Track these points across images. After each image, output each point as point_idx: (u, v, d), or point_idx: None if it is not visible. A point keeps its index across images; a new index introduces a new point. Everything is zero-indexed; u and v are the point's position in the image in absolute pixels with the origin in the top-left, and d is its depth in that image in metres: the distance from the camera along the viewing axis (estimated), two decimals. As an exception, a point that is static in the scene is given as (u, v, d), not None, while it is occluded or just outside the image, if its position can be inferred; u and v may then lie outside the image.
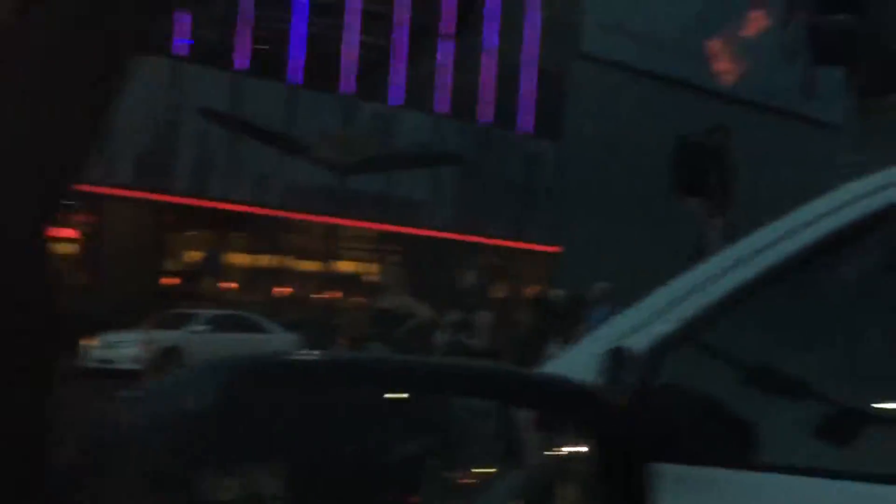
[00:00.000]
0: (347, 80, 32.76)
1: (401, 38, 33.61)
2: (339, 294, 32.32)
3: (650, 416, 2.43)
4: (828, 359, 2.60)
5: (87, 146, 0.93)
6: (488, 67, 35.42)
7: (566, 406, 2.08)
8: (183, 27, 29.69)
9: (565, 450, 2.10)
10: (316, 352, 2.57)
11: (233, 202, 30.41)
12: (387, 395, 2.07)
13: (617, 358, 2.37)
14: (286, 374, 2.02)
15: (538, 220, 35.32)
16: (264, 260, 32.40)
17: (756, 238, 2.61)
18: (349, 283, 32.59)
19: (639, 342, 2.53)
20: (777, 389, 2.51)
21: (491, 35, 35.42)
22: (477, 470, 2.23)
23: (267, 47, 31.35)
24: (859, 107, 11.27)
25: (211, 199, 30.21)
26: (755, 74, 33.73)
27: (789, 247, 2.52)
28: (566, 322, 11.83)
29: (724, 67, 22.51)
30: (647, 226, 32.28)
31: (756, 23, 25.38)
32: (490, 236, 34.23)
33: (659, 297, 2.64)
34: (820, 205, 2.55)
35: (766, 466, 2.42)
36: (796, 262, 2.53)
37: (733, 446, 2.44)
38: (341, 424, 2.10)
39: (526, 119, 36.37)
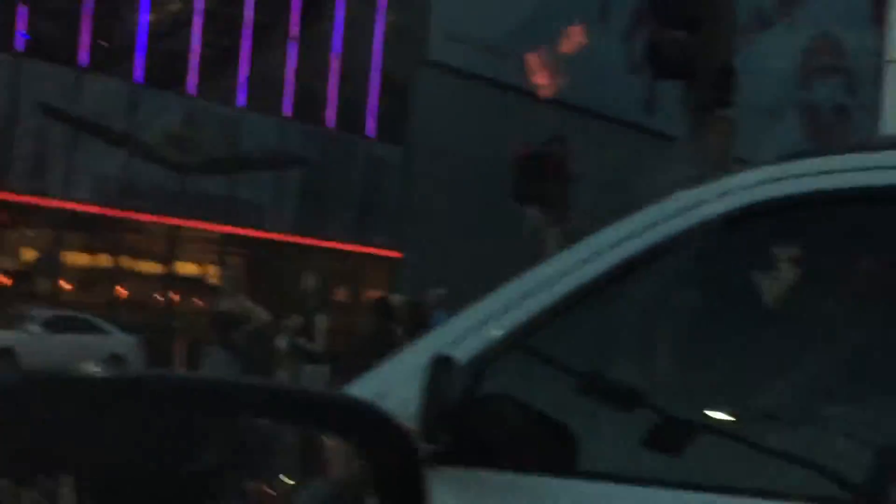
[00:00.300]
0: (192, 80, 32.37)
1: (247, 39, 33.34)
2: (178, 296, 31.93)
3: (475, 425, 2.41)
4: (656, 367, 2.61)
5: None
6: (335, 71, 35.33)
7: (346, 426, 2.04)
8: (22, 21, 29.03)
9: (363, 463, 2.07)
10: (97, 370, 2.53)
11: (71, 201, 29.82)
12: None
13: (441, 366, 2.35)
14: (62, 392, 1.98)
15: (382, 225, 35.36)
16: (103, 260, 31.84)
17: (586, 245, 2.61)
18: (189, 285, 32.20)
19: (466, 349, 2.51)
20: (605, 397, 2.51)
21: (338, 39, 35.34)
22: (278, 482, 2.18)
23: (109, 44, 30.82)
24: (694, 121, 11.52)
25: (49, 198, 29.57)
26: (600, 86, 34.21)
27: (618, 254, 2.52)
28: (406, 327, 11.85)
29: (542, 81, 22.91)
30: (490, 233, 32.51)
31: (575, 38, 25.77)
32: (333, 240, 34.15)
33: (488, 303, 2.63)
34: (648, 214, 2.56)
35: (591, 474, 2.42)
36: (624, 270, 2.53)
37: (558, 454, 2.43)
38: (136, 438, 2.05)
39: (371, 124, 36.38)
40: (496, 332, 2.55)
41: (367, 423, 2.03)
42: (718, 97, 11.27)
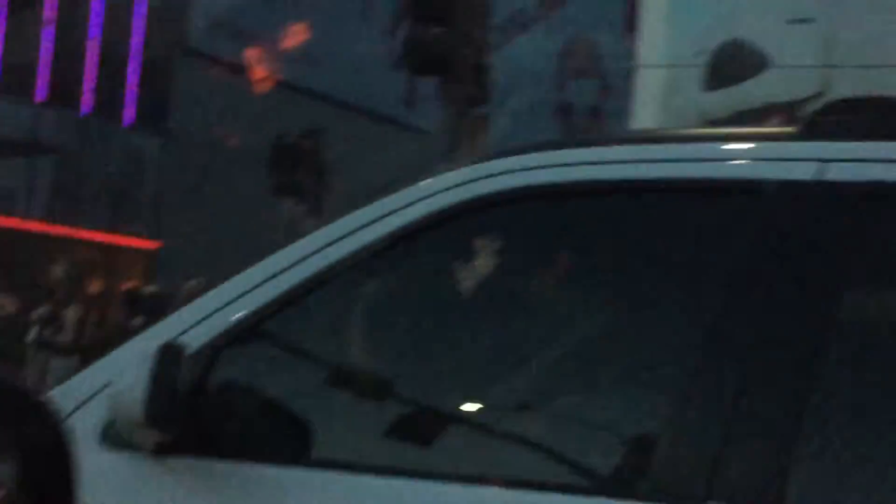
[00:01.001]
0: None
1: (-2, 21, 32.26)
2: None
3: (203, 414, 2.39)
4: (391, 356, 2.62)
5: None
6: (92, 56, 34.48)
7: None
8: None
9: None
10: None
11: None
12: None
13: (168, 353, 2.32)
14: None
15: (138, 216, 34.68)
16: None
17: (322, 234, 2.61)
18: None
19: (198, 337, 2.48)
20: (345, 385, 2.52)
21: (96, 23, 34.51)
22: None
23: None
24: (451, 116, 11.67)
25: None
26: (360, 80, 34.29)
27: (353, 243, 2.53)
28: (157, 319, 11.66)
29: (260, 75, 23.02)
30: (250, 225, 32.24)
31: (297, 35, 25.85)
32: (86, 230, 33.33)
33: (223, 290, 2.60)
34: (383, 203, 2.57)
35: (325, 463, 2.42)
36: (359, 259, 2.54)
37: (291, 443, 2.42)
38: None
39: (130, 112, 35.65)
40: (229, 319, 2.53)
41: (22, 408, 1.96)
42: (473, 94, 11.43)
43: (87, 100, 34.51)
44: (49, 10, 33.30)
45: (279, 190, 12.00)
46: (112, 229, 33.94)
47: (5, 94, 32.22)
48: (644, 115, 12.33)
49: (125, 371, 2.36)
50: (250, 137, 32.20)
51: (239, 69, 35.64)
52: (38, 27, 33.08)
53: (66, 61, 33.66)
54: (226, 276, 2.64)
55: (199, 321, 2.53)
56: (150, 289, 14.68)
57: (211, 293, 2.60)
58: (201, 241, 32.13)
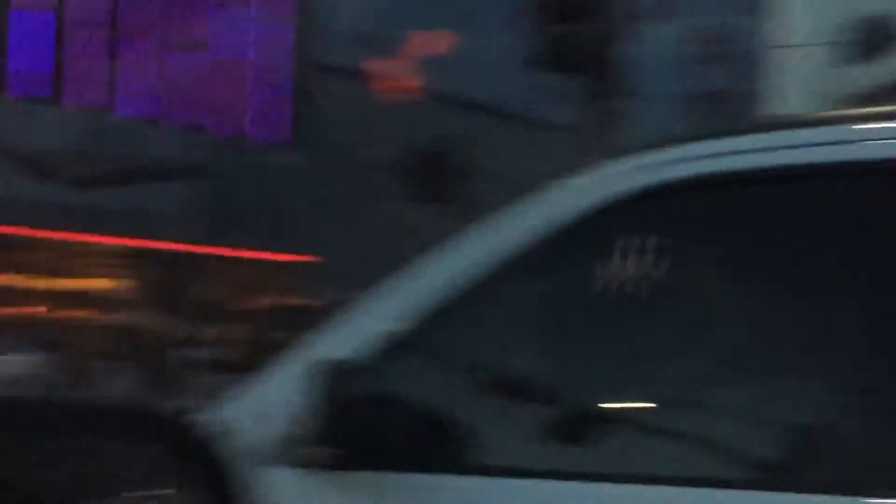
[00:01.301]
0: (82, 91, 31.92)
1: (141, 48, 32.94)
2: (84, 312, 31.49)
3: (366, 427, 2.40)
4: (549, 361, 2.60)
5: None
6: (234, 78, 35.06)
7: (141, 432, 2.01)
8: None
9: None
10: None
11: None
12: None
13: (336, 368, 2.34)
14: None
15: (289, 232, 35.11)
16: (5, 279, 31.33)
17: (482, 235, 2.59)
18: (93, 300, 31.75)
19: (355, 349, 2.50)
20: (504, 392, 2.50)
21: (237, 46, 35.07)
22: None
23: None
24: (590, 110, 11.57)
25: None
26: (495, 81, 34.30)
27: (509, 247, 2.50)
28: (319, 333, 11.78)
29: (399, 85, 22.84)
30: (394, 235, 32.46)
31: (445, 40, 25.72)
32: (241, 249, 33.86)
33: (376, 302, 2.61)
34: (538, 205, 2.54)
35: (488, 470, 2.42)
36: (522, 262, 2.51)
37: (452, 452, 2.43)
38: None
39: (275, 130, 36.16)
40: (385, 330, 2.53)
41: (152, 426, 2.00)
42: (608, 87, 11.35)
43: (229, 120, 35.09)
44: (202, 35, 33.91)
45: (420, 197, 12.03)
46: (270, 247, 34.39)
47: (152, 119, 32.94)
48: (784, 97, 12.13)
49: (292, 387, 2.39)
50: (386, 146, 32.49)
51: (379, 80, 35.94)
52: (193, 52, 33.72)
53: (219, 84, 34.27)
54: (380, 287, 2.65)
55: (360, 333, 2.54)
56: (310, 302, 14.85)
57: (370, 304, 2.60)
58: (356, 253, 32.44)
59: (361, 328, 2.56)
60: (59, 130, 30.78)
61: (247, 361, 14.43)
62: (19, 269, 31.27)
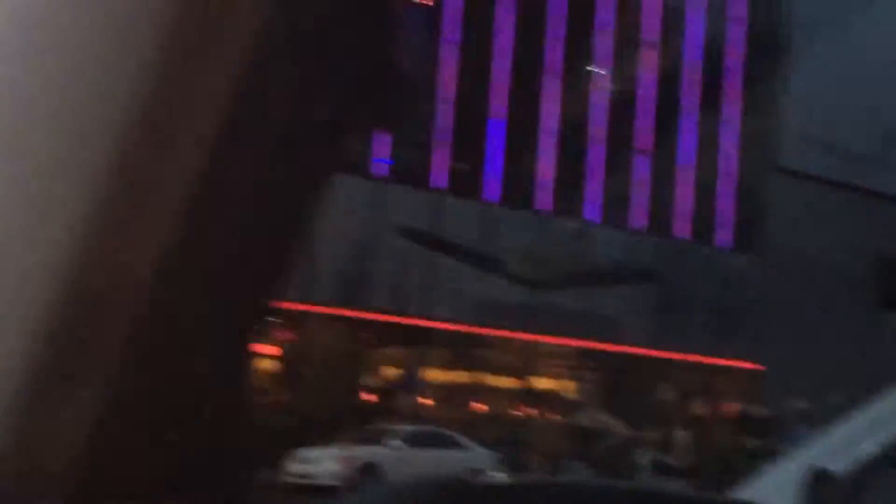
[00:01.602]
0: (542, 196, 32.96)
1: (596, 154, 33.75)
2: (534, 411, 32.18)
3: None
4: None
5: (287, 266, 0.97)
6: (684, 182, 35.25)
7: None
8: (382, 148, 30.36)
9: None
10: (504, 476, 2.58)
11: (429, 318, 30.68)
12: None
13: (819, 480, 2.31)
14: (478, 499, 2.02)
15: (735, 337, 34.70)
16: (460, 376, 32.50)
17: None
18: (544, 399, 32.43)
19: (840, 464, 2.46)
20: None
21: (687, 150, 35.30)
22: None
23: (464, 166, 31.78)
24: None
25: (408, 316, 30.52)
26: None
27: None
28: (766, 441, 11.58)
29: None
30: (846, 342, 31.45)
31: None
32: (688, 353, 33.75)
33: (861, 418, 2.57)
34: None
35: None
36: None
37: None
38: None
39: (723, 234, 36.00)
40: (870, 447, 2.48)
41: None
42: None
43: (680, 224, 35.26)
44: (642, 141, 34.46)
45: (888, 304, 11.62)
46: (713, 351, 34.20)
47: (603, 223, 33.57)
48: None
49: (774, 495, 2.37)
50: (846, 252, 31.65)
51: (832, 184, 35.22)
52: (631, 157, 34.31)
53: (658, 188, 34.64)
54: (853, 401, 2.60)
55: (840, 447, 2.50)
56: (759, 410, 14.63)
57: (849, 420, 2.56)
58: (797, 359, 31.72)
59: (848, 442, 2.52)
60: (532, 233, 31.89)
61: (690, 466, 14.32)
62: (478, 367, 32.38)
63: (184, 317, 0.87)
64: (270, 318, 1.02)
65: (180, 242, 0.82)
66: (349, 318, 29.83)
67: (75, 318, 0.77)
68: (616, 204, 33.84)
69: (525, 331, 31.65)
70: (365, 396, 30.53)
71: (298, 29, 0.86)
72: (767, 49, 35.63)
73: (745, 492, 2.65)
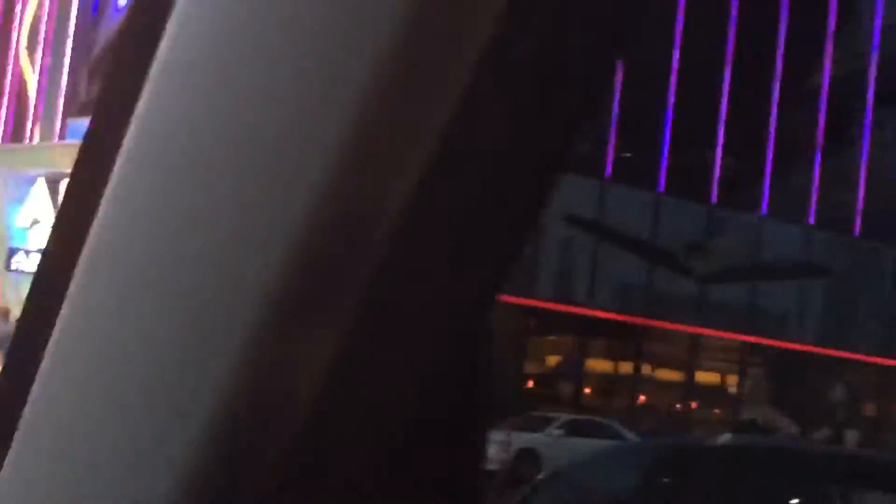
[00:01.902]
0: (713, 189, 32.56)
1: (769, 149, 33.23)
2: (695, 404, 31.88)
3: None
4: None
5: (513, 262, 0.96)
6: (861, 180, 34.52)
7: None
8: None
9: None
10: (728, 438, 2.56)
11: (595, 308, 30.56)
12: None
13: None
14: (703, 460, 2.00)
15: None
16: (623, 367, 32.34)
17: None
18: (708, 393, 32.10)
19: None
20: None
21: (864, 148, 34.56)
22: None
23: (631, 155, 31.55)
24: None
25: (573, 305, 30.44)
26: None
27: None
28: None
29: None
30: None
31: None
32: (859, 352, 33.04)
33: None
34: None
35: None
36: None
37: None
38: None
39: (886, 229, 35.18)
40: None
41: None
42: None
43: (858, 222, 34.52)
44: (819, 137, 33.82)
45: None
46: (886, 351, 33.42)
47: (775, 218, 33.02)
48: None
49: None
50: None
51: None
52: (809, 153, 33.69)
53: (835, 185, 33.95)
54: None
55: None
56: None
57: None
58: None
59: None
60: (700, 225, 31.56)
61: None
62: (642, 359, 32.20)
63: (410, 313, 0.86)
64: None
65: (410, 234, 0.82)
66: (515, 306, 29.89)
67: (303, 309, 0.76)
68: (792, 199, 33.26)
69: (690, 323, 31.33)
70: (527, 383, 30.60)
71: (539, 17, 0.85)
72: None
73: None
